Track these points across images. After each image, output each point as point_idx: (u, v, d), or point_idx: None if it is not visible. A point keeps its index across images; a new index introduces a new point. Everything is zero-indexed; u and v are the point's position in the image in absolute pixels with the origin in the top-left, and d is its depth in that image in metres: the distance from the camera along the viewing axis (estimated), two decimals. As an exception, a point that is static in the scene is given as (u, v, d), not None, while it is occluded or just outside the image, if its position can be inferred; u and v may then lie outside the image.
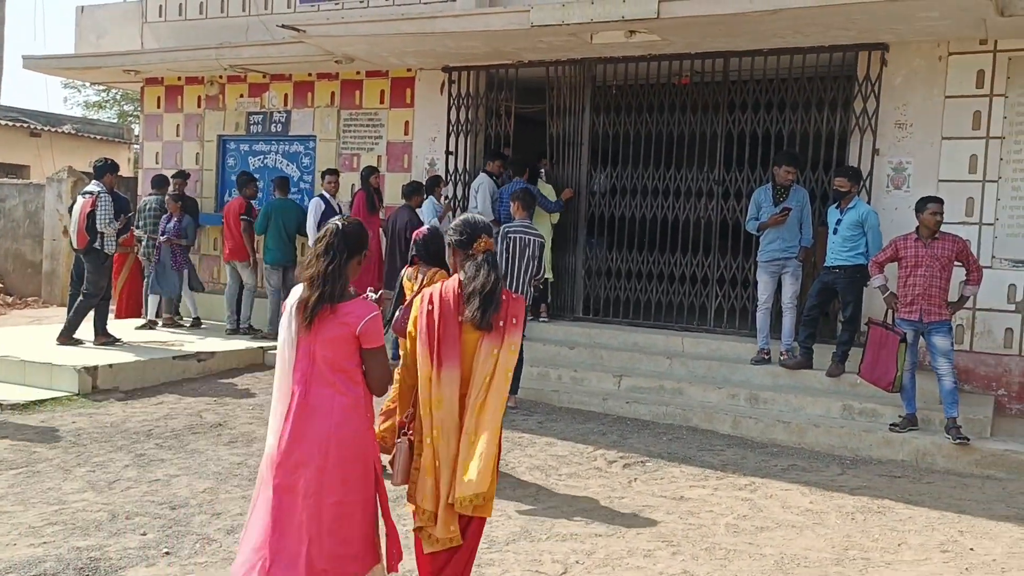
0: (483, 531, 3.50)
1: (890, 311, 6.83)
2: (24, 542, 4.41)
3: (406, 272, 5.83)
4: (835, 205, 7.55)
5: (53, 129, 21.78)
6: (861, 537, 4.89)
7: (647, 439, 6.79)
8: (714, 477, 5.97)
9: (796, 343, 7.77)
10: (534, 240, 7.48)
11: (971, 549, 4.76)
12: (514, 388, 7.62)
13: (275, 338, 9.60)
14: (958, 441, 6.38)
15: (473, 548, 3.40)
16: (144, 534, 4.55)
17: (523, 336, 3.46)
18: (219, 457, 5.98)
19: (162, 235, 10.09)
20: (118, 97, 30.05)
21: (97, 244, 8.74)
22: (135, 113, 28.70)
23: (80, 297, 8.85)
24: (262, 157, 11.59)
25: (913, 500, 5.62)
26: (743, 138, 8.77)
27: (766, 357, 7.92)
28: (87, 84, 28.46)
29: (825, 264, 7.55)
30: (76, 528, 4.61)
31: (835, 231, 7.39)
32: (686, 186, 9.06)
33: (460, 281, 3.35)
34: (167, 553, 4.31)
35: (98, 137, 22.89)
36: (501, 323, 3.28)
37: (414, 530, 3.34)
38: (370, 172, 9.74)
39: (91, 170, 9.37)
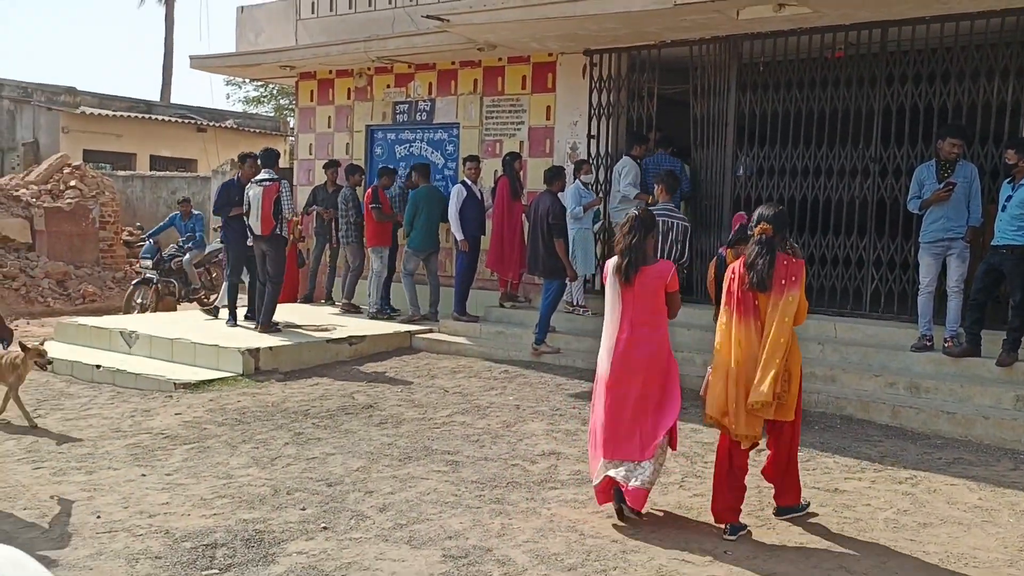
0: (797, 430, 4.74)
1: (1070, 295, 6.31)
2: (197, 513, 4.73)
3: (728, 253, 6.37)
4: (1008, 181, 7.03)
5: (217, 124, 23.14)
6: (1037, 538, 4.55)
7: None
8: (871, 469, 5.70)
9: (962, 329, 7.30)
10: (677, 223, 7.35)
11: None
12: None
13: (418, 321, 10.01)
14: None
15: (793, 444, 4.76)
16: (304, 509, 4.79)
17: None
18: (371, 437, 6.22)
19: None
20: (275, 92, 31.61)
21: (279, 230, 9.17)
22: (290, 107, 30.11)
23: (268, 285, 9.31)
24: (407, 145, 11.90)
25: (1097, 500, 5.19)
26: (903, 112, 8.29)
27: (928, 344, 7.49)
28: (246, 81, 30.14)
29: (992, 243, 7.05)
30: (243, 501, 4.90)
31: (1003, 208, 6.89)
32: (839, 165, 8.65)
33: (745, 257, 4.54)
34: (325, 528, 4.52)
35: (257, 131, 24.15)
36: (783, 281, 4.43)
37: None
38: (513, 158, 9.82)
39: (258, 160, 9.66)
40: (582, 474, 5.45)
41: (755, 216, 4.66)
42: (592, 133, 10.06)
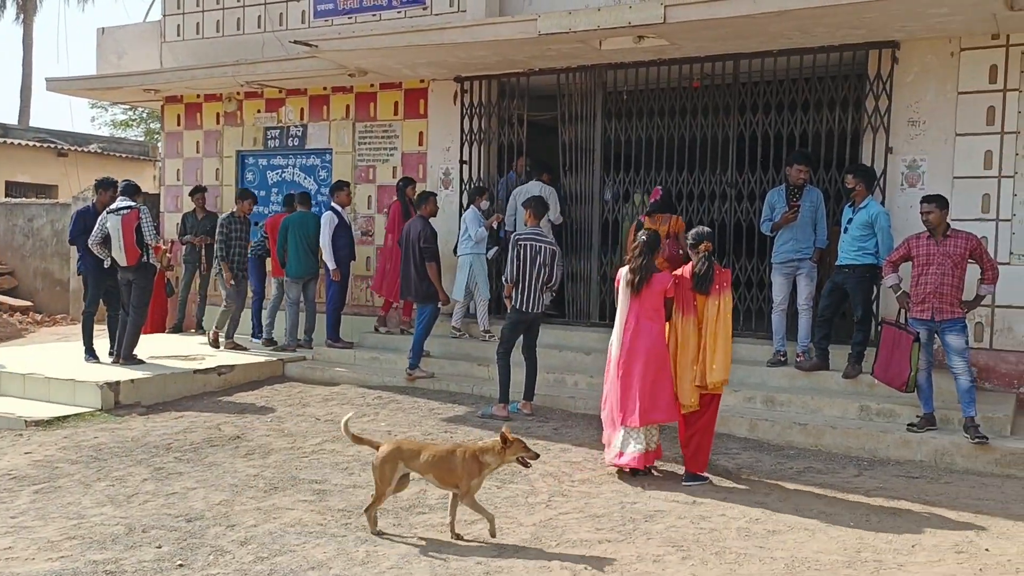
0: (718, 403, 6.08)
1: (903, 310, 6.78)
2: (42, 556, 4.50)
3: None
4: (848, 204, 7.52)
5: (80, 149, 22.15)
6: (874, 539, 4.85)
7: (663, 443, 6.76)
8: (728, 481, 5.95)
9: (812, 344, 7.73)
10: (545, 248, 7.51)
11: (986, 550, 4.71)
12: (529, 394, 7.66)
13: (294, 350, 9.83)
14: (977, 440, 6.31)
15: (714, 413, 6.05)
16: (159, 547, 4.63)
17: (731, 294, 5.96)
18: (236, 469, 6.06)
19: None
20: (144, 116, 30.50)
21: (145, 259, 8.83)
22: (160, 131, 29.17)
23: (130, 314, 8.92)
24: (280, 171, 11.73)
25: (930, 501, 5.57)
26: (755, 140, 8.75)
27: (782, 359, 7.89)
28: (111, 104, 28.96)
29: (836, 263, 7.52)
30: (93, 542, 4.70)
31: (846, 230, 7.36)
32: (699, 189, 9.04)
33: (692, 267, 5.91)
34: (180, 565, 4.38)
35: (124, 156, 23.23)
36: (717, 287, 5.84)
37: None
38: (407, 183, 9.77)
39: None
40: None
41: (697, 234, 6.00)
42: (464, 158, 10.18)
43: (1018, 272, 7.49)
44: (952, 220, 6.81)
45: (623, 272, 6.17)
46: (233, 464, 6.20)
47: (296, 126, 11.43)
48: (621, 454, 5.97)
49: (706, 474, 5.97)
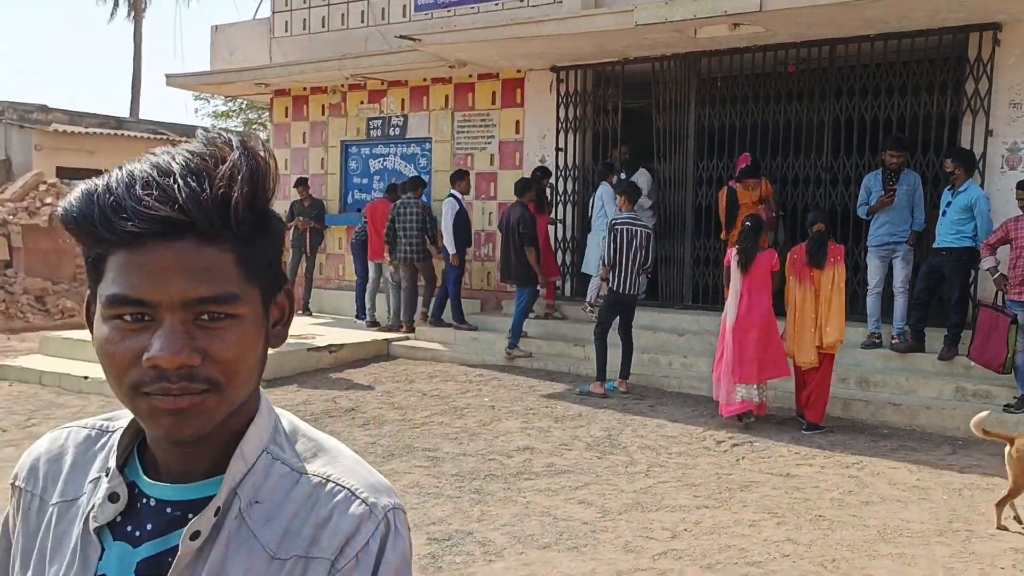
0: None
1: (1000, 293, 6.82)
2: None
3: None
4: (948, 188, 7.56)
5: (188, 139, 23.30)
6: (967, 511, 5.02)
7: (756, 421, 7.00)
8: (821, 456, 6.15)
9: (907, 327, 7.80)
10: (640, 231, 7.78)
11: (1080, 524, 4.82)
12: (625, 373, 7.96)
13: (396, 330, 10.33)
14: (1075, 422, 6.35)
15: (830, 369, 6.87)
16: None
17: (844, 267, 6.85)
18: (354, 438, 6.57)
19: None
20: (243, 106, 31.77)
21: None
22: (260, 121, 30.29)
23: None
24: (381, 160, 12.26)
25: (1025, 479, 5.66)
26: (851, 124, 8.81)
27: (877, 341, 7.99)
28: (213, 96, 30.27)
29: (933, 246, 7.57)
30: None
31: (944, 213, 7.41)
32: (793, 174, 9.16)
33: (807, 244, 6.82)
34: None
35: (228, 146, 24.29)
36: (832, 260, 6.73)
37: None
38: (544, 174, 10.05)
39: None
40: (555, 466, 5.85)
41: (812, 217, 7.02)
42: (560, 146, 10.49)
43: (1123, 255, 7.40)
44: (1053, 202, 6.81)
45: (732, 253, 7.00)
46: (351, 433, 6.71)
47: (397, 116, 11.93)
48: (731, 405, 6.87)
49: (823, 424, 6.77)
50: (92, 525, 0.93)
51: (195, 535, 0.89)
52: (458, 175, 10.21)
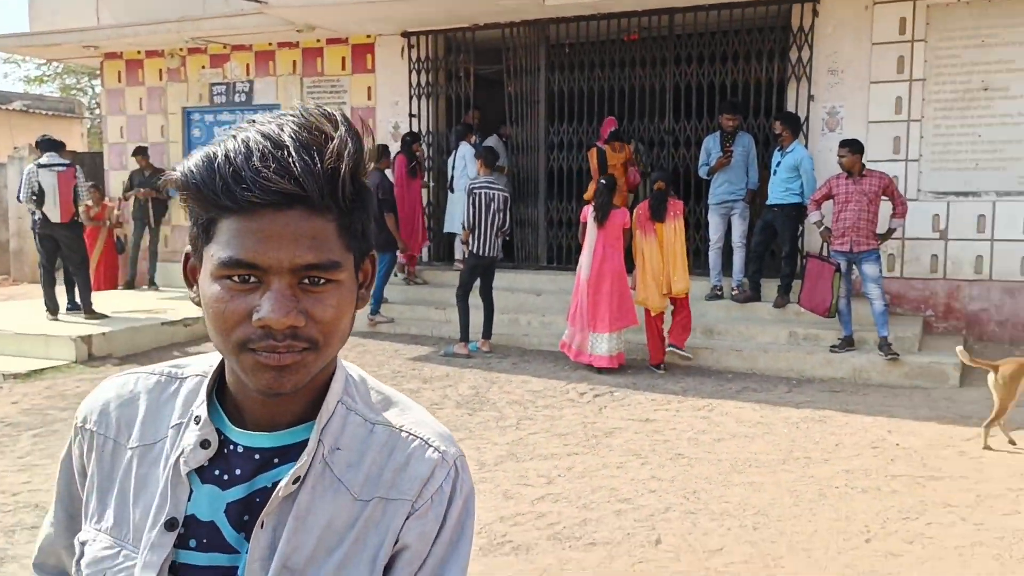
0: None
1: (825, 244, 7.52)
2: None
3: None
4: (777, 149, 8.19)
5: (2, 107, 21.60)
6: (804, 441, 5.59)
7: (613, 373, 7.43)
8: (676, 401, 6.64)
9: (745, 278, 8.45)
10: (499, 195, 8.02)
11: (897, 444, 5.49)
12: (487, 333, 8.22)
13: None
14: (889, 357, 7.13)
15: (688, 308, 7.59)
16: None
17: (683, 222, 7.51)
18: (224, 408, 6.50)
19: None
20: (59, 71, 29.61)
21: (77, 216, 9.04)
22: (79, 87, 28.40)
23: (76, 273, 9.12)
24: (227, 127, 11.83)
25: (850, 410, 6.36)
26: (690, 89, 9.34)
27: (719, 293, 8.60)
28: (25, 59, 28.03)
29: (766, 203, 8.22)
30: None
31: (775, 172, 8.05)
32: (639, 137, 9.63)
33: (649, 200, 7.47)
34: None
35: (49, 113, 22.72)
36: (672, 214, 7.37)
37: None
38: (413, 139, 9.98)
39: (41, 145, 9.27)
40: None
41: (654, 176, 7.75)
42: (413, 112, 10.55)
43: (925, 207, 8.29)
44: (868, 161, 7.55)
45: (589, 209, 7.52)
46: (220, 404, 6.63)
47: (243, 82, 11.59)
48: (591, 355, 7.40)
49: (688, 353, 7.62)
50: (184, 469, 1.01)
51: (296, 480, 0.99)
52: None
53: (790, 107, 8.74)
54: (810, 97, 8.71)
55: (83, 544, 1.07)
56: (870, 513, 4.41)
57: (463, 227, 8.25)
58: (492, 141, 9.76)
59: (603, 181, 7.61)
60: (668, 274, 7.37)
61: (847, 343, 7.44)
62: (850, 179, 7.25)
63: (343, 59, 10.92)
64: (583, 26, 9.57)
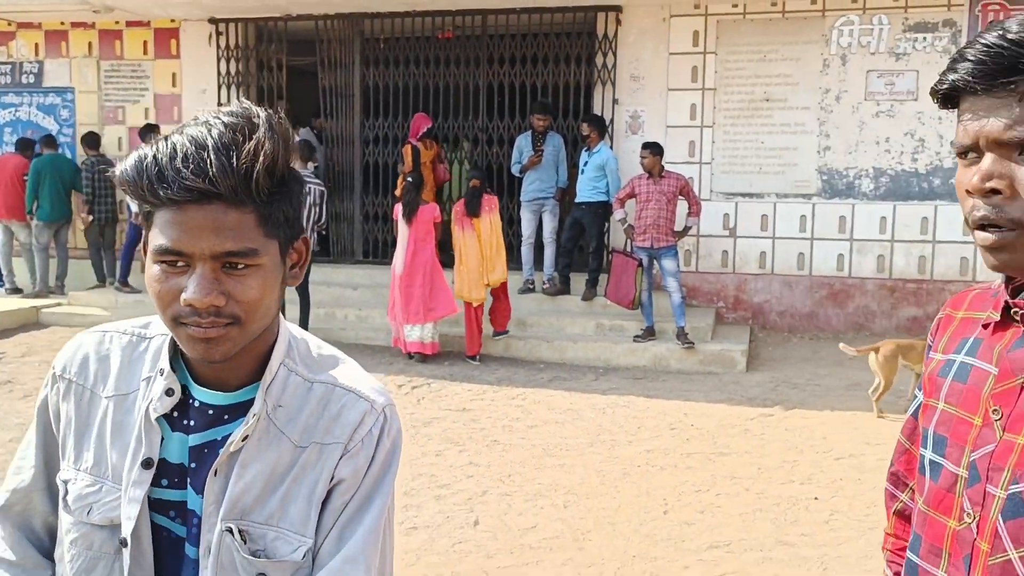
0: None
1: (629, 240, 8.02)
2: None
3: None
4: (585, 149, 8.62)
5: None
6: (610, 425, 5.97)
7: (430, 366, 7.58)
8: (491, 391, 6.88)
9: (556, 273, 8.83)
10: (315, 188, 7.95)
11: (692, 425, 5.98)
12: (304, 326, 8.13)
13: (45, 296, 9.55)
14: (686, 346, 7.70)
15: (507, 296, 7.98)
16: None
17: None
18: (17, 411, 6.09)
19: None
20: None
21: None
22: None
23: None
24: (13, 110, 11.01)
25: (651, 395, 6.83)
26: (503, 89, 9.63)
27: (531, 286, 8.94)
28: None
29: (575, 201, 8.64)
30: None
31: (582, 172, 8.48)
32: (453, 134, 9.82)
33: (466, 197, 7.81)
34: None
35: None
36: (487, 209, 7.68)
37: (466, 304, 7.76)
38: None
39: None
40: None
41: (470, 174, 8.03)
42: (222, 101, 10.20)
43: (717, 207, 9.00)
44: (667, 163, 8.10)
45: (399, 207, 7.74)
46: (13, 406, 6.21)
47: (31, 62, 10.78)
48: (407, 343, 7.67)
49: (507, 330, 8.04)
50: (153, 415, 1.16)
51: (246, 437, 1.15)
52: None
53: (596, 110, 9.21)
54: (615, 101, 9.21)
55: (66, 483, 1.21)
56: (668, 488, 4.80)
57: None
58: (304, 133, 9.65)
59: (409, 179, 7.83)
60: (487, 266, 7.66)
61: (649, 333, 7.96)
62: (651, 179, 7.76)
63: (145, 43, 10.39)
64: (398, 22, 9.63)
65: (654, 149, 7.75)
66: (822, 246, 8.80)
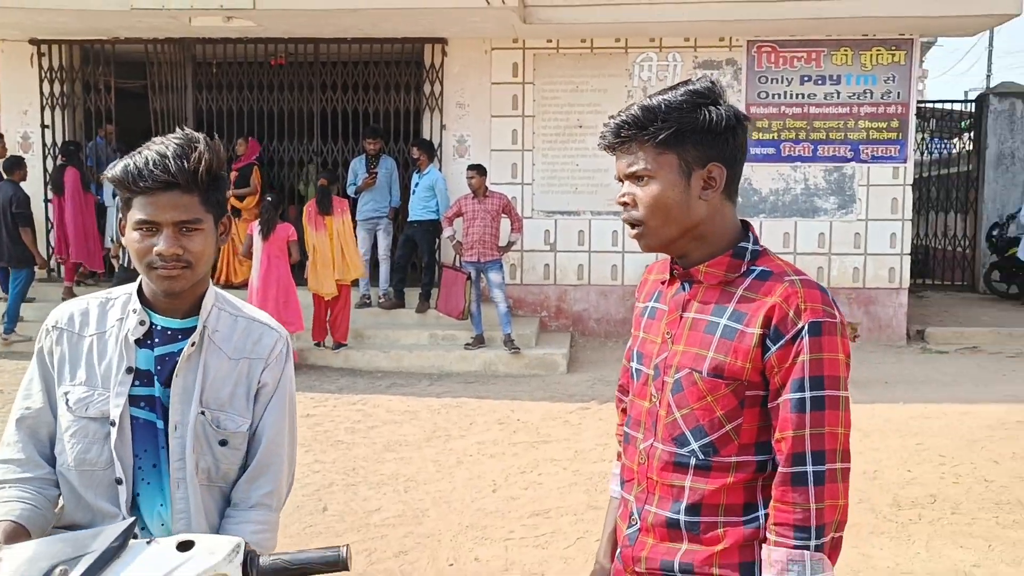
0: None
1: (457, 256, 8.66)
2: None
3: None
4: (416, 171, 9.21)
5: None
6: (445, 423, 6.54)
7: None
8: (332, 398, 7.30)
9: (391, 287, 9.34)
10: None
11: (518, 420, 6.65)
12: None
13: None
14: (513, 352, 8.41)
15: (348, 298, 8.57)
16: None
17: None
18: None
19: None
20: None
21: None
22: None
23: None
24: None
25: (482, 396, 7.46)
26: (336, 114, 10.07)
27: (367, 301, 9.41)
28: None
29: (408, 219, 9.21)
30: None
31: (414, 192, 9.07)
32: (288, 157, 10.16)
33: (316, 198, 8.43)
34: None
35: None
36: (338, 210, 8.31)
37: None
38: (77, 148, 9.69)
39: None
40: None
41: (317, 176, 8.75)
42: (46, 123, 10.07)
43: (538, 224, 9.80)
44: (492, 183, 8.81)
45: (255, 224, 8.20)
46: None
47: None
48: None
49: (347, 342, 8.53)
50: (131, 338, 1.72)
51: (193, 343, 1.72)
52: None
53: (426, 134, 9.81)
54: (442, 126, 9.85)
55: (66, 394, 1.73)
56: (496, 471, 5.43)
57: (113, 240, 8.24)
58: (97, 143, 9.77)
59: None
60: (348, 264, 8.31)
61: (479, 341, 8.61)
62: (476, 199, 8.44)
63: (-40, 62, 10.11)
64: (230, 48, 9.88)
65: (479, 170, 8.44)
66: (632, 259, 9.77)
